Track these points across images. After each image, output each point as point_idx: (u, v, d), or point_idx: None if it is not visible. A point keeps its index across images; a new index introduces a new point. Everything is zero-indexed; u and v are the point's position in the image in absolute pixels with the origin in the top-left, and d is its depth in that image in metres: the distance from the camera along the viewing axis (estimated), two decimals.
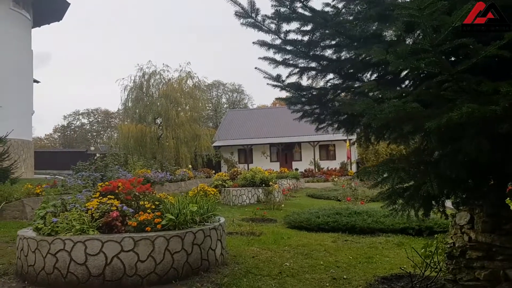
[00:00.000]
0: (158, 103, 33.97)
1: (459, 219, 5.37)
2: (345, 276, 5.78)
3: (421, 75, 3.67)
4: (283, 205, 13.38)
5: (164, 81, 35.45)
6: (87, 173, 13.23)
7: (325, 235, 8.58)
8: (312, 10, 3.78)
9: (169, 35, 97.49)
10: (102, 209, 5.82)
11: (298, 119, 5.20)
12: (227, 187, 14.96)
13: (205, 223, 6.20)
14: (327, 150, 39.13)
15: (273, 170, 29.03)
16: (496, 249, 4.70)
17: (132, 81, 34.79)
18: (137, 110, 34.29)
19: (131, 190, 6.50)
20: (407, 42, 3.40)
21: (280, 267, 6.19)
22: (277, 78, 4.63)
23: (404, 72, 3.93)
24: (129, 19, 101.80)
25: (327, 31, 4.10)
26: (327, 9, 3.91)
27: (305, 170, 35.67)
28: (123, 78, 45.96)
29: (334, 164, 37.69)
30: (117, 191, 6.45)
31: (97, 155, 17.96)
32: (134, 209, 6.13)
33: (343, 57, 4.42)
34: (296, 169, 33.68)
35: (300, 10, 3.91)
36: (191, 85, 35.92)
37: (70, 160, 17.33)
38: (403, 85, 4.18)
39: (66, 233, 5.42)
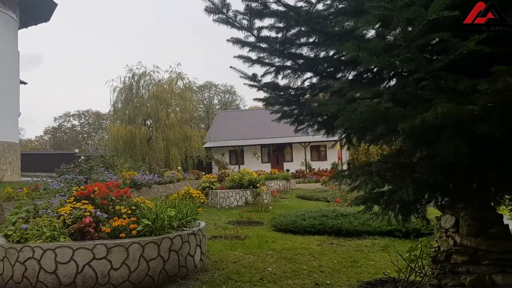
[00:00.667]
0: (148, 104, 33.67)
1: (444, 222, 5.21)
2: (328, 282, 5.60)
3: (403, 73, 3.49)
4: (270, 207, 13.18)
5: (154, 82, 35.16)
6: (70, 176, 12.95)
7: (311, 238, 8.39)
8: (285, 5, 3.59)
9: (162, 36, 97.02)
10: (75, 214, 5.59)
11: (277, 120, 5.01)
12: (215, 189, 14.71)
13: (184, 228, 5.98)
14: (318, 151, 39.04)
15: (264, 171, 28.88)
16: (481, 253, 4.55)
17: (121, 82, 34.48)
18: (126, 112, 33.90)
19: (107, 195, 6.26)
20: (387, 39, 3.22)
21: (262, 273, 5.99)
22: (253, 77, 4.44)
23: (385, 71, 3.77)
24: (121, 19, 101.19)
25: (302, 28, 3.92)
26: (300, 4, 3.71)
27: (296, 171, 35.52)
28: (112, 79, 45.48)
29: (325, 165, 37.58)
30: (92, 195, 6.21)
31: (82, 157, 17.64)
32: (111, 214, 5.90)
33: (320, 55, 4.24)
34: (287, 170, 33.50)
35: (273, 6, 3.72)
36: (181, 86, 35.66)
37: (59, 162, 17.12)
38: (386, 84, 4.01)
39: (36, 240, 5.19)
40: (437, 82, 2.63)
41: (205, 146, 38.32)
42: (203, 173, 25.56)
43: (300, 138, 35.90)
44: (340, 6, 3.58)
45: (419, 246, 5.26)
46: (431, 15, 2.36)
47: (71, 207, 5.78)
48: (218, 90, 68.97)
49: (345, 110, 2.86)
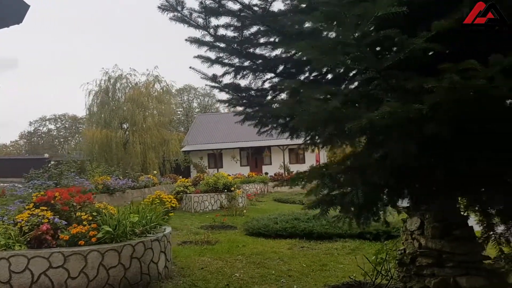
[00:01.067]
0: (125, 108, 33.17)
1: (410, 224, 5.18)
2: (295, 286, 5.51)
3: (365, 73, 3.41)
4: (245, 211, 13.03)
5: (130, 85, 34.69)
6: (39, 181, 12.55)
7: (282, 242, 8.29)
8: (240, 3, 3.48)
9: (140, 39, 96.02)
10: (32, 221, 5.36)
11: (240, 122, 4.89)
12: (189, 193, 14.50)
13: (148, 235, 5.80)
14: (297, 154, 39.03)
15: (242, 174, 28.75)
16: (446, 255, 4.53)
17: (97, 85, 33.85)
18: (102, 115, 33.32)
19: (68, 201, 6.04)
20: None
21: (229, 279, 5.86)
22: (214, 78, 4.31)
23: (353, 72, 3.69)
24: (97, 22, 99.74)
25: (261, 28, 3.82)
26: (255, 1, 3.60)
27: (274, 174, 35.35)
28: (87, 83, 44.75)
29: (303, 168, 36.79)
30: (53, 201, 5.98)
31: (52, 162, 17.19)
32: (72, 220, 5.69)
33: (283, 56, 4.14)
34: (266, 173, 33.45)
35: (230, 4, 3.61)
36: (159, 89, 35.27)
37: (32, 168, 16.69)
38: (349, 85, 3.93)
39: None
40: (389, 81, 2.56)
41: (183, 149, 37.92)
42: (180, 177, 25.25)
43: (278, 141, 35.72)
44: (294, 3, 3.48)
45: (385, 249, 5.22)
46: (379, 11, 2.28)
47: (29, 214, 5.54)
48: (197, 93, 68.49)
49: (297, 111, 2.76)
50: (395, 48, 2.94)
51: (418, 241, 4.88)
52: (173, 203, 10.06)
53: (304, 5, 3.40)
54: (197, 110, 67.42)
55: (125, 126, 34.24)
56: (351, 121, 2.29)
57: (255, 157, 39.83)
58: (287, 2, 3.89)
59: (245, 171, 34.21)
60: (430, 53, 2.68)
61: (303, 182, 3.25)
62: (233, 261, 6.81)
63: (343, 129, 2.35)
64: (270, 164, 39.10)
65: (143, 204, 7.57)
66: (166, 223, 6.69)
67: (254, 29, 3.86)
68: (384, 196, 3.34)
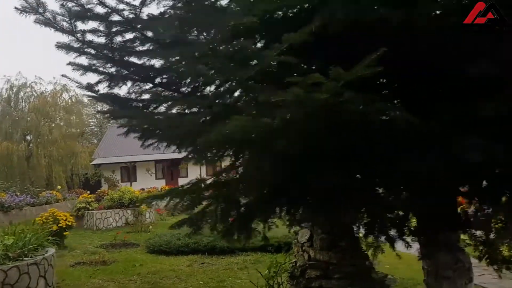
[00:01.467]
0: (28, 118, 30.88)
1: (301, 236, 5.21)
2: None
3: (229, 84, 3.31)
4: (150, 227, 12.54)
5: (36, 95, 32.42)
6: None
7: (183, 259, 8.01)
8: (108, 6, 3.24)
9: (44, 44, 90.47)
10: None
11: (123, 134, 4.59)
12: (91, 209, 13.67)
13: (25, 258, 5.25)
14: (214, 166, 38.78)
15: (156, 188, 27.91)
16: (333, 267, 4.58)
17: None
18: (3, 126, 30.74)
19: None
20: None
21: None
22: (89, 87, 3.99)
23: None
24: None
25: (137, 35, 3.60)
26: (121, 6, 3.35)
27: None
28: None
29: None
30: None
31: None
32: None
33: (164, 65, 3.94)
34: (182, 186, 32.79)
35: (97, 8, 3.35)
36: (67, 99, 33.34)
37: None
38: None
39: None
40: (251, 93, 2.47)
41: (93, 163, 36.01)
42: (88, 192, 23.86)
43: None
44: (167, 10, 3.30)
45: (277, 262, 5.21)
46: (231, 21, 2.18)
47: None
48: None
49: (156, 124, 2.58)
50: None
51: (308, 253, 4.90)
52: (68, 221, 9.41)
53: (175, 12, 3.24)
54: (112, 121, 64.81)
55: (29, 138, 31.85)
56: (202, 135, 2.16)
57: (171, 169, 38.88)
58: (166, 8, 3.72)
59: (161, 184, 33.27)
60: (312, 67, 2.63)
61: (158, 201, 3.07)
62: (127, 282, 6.41)
63: (195, 144, 2.22)
64: (187, 176, 38.36)
65: (21, 224, 6.89)
66: (51, 244, 6.12)
67: (130, 36, 3.63)
68: (256, 212, 3.25)
